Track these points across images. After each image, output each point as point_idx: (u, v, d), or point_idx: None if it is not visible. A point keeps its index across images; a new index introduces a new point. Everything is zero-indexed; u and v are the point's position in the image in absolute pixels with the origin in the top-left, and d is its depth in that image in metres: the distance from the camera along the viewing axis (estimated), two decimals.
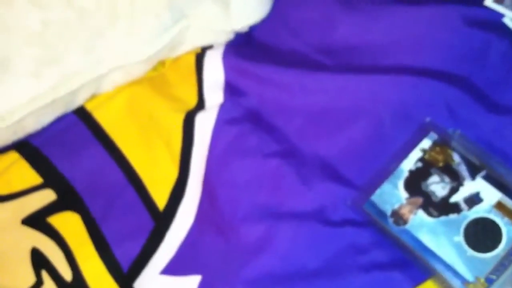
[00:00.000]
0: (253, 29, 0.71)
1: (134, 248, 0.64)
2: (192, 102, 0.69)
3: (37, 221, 0.66)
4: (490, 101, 0.63)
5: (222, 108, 0.67)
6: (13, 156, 0.68)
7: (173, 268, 0.63)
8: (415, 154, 0.61)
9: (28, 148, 0.68)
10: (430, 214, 0.59)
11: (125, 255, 0.64)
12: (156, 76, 0.71)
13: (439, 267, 0.57)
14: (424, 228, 0.58)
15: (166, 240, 0.64)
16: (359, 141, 0.64)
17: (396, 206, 0.60)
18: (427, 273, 0.59)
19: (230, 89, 0.68)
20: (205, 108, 0.68)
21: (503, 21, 0.64)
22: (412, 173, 0.60)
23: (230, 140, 0.66)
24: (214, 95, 0.68)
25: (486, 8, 0.65)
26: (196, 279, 0.62)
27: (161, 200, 0.65)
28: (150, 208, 0.65)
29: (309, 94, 0.67)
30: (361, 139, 0.64)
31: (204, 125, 0.67)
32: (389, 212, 0.60)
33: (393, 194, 0.60)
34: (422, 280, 0.59)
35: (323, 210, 0.62)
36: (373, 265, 0.60)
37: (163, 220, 0.65)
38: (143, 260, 0.63)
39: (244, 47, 0.70)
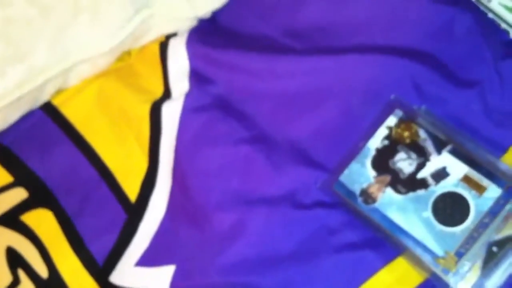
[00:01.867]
0: (217, 14, 0.70)
1: (108, 242, 0.64)
2: (159, 91, 0.68)
3: (10, 220, 0.66)
4: (457, 76, 0.62)
5: (189, 96, 0.67)
6: None
7: (147, 259, 0.63)
8: (381, 132, 0.60)
9: None
10: (398, 191, 0.59)
11: (100, 250, 0.64)
12: (122, 67, 0.71)
13: (409, 244, 0.57)
14: (393, 206, 0.58)
15: (140, 232, 0.64)
16: (329, 123, 0.64)
17: (364, 185, 0.60)
18: (398, 250, 0.59)
19: (196, 76, 0.68)
20: (171, 97, 0.68)
21: None
22: (379, 151, 0.60)
23: (198, 128, 0.66)
24: (180, 84, 0.68)
25: None
26: (170, 269, 0.62)
27: (132, 192, 0.65)
28: (122, 201, 0.65)
29: (277, 78, 0.66)
30: (330, 121, 0.64)
31: (171, 114, 0.67)
32: (358, 192, 0.60)
33: (361, 173, 0.60)
34: (393, 257, 0.59)
35: (294, 193, 0.62)
36: (344, 245, 0.60)
37: (135, 211, 0.65)
38: (117, 253, 0.64)
39: (208, 33, 0.70)
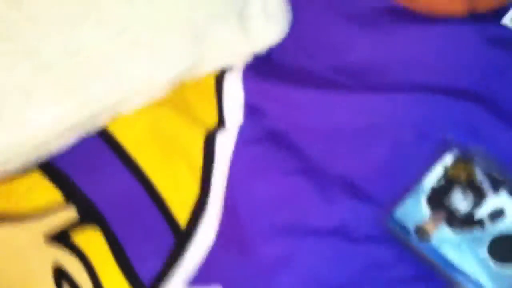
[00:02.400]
0: (270, 50, 0.72)
1: (156, 265, 0.64)
2: (212, 122, 0.70)
3: (60, 239, 0.66)
4: (510, 117, 0.63)
5: (242, 128, 0.68)
6: (36, 176, 0.69)
7: (194, 285, 0.63)
8: (437, 171, 0.61)
9: (51, 168, 0.69)
10: (454, 230, 0.58)
11: (148, 272, 0.64)
12: (176, 97, 0.72)
13: (464, 283, 0.57)
14: (448, 244, 0.58)
15: (188, 257, 0.64)
16: (381, 159, 0.64)
17: (419, 222, 0.59)
18: (452, 286, 0.58)
19: (250, 110, 0.69)
20: (225, 127, 0.69)
21: None
22: (434, 190, 0.60)
23: (251, 159, 0.67)
24: (234, 116, 0.69)
25: (504, 26, 0.66)
26: None
27: (182, 217, 0.66)
28: (172, 226, 0.65)
29: (330, 114, 0.67)
30: (383, 157, 0.65)
31: (225, 144, 0.68)
32: (412, 228, 0.60)
33: (416, 210, 0.60)
34: None
35: (344, 227, 0.63)
36: (396, 280, 0.60)
37: (184, 237, 0.65)
38: (164, 276, 0.63)
39: (263, 68, 0.71)
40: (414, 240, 0.59)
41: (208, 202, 0.66)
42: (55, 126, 0.66)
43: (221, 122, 0.70)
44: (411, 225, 0.60)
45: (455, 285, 0.58)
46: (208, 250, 0.64)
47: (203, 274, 0.64)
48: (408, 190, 0.61)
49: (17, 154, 0.65)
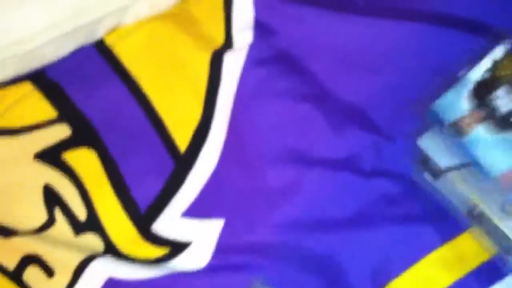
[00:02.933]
0: None
1: (153, 189, 0.61)
2: (220, 40, 0.65)
3: (51, 156, 0.63)
4: None
5: (252, 48, 0.64)
6: (27, 87, 0.64)
7: (195, 210, 0.60)
8: (485, 64, 0.57)
9: (43, 79, 0.65)
10: (491, 129, 0.55)
11: (144, 195, 0.61)
12: (181, 12, 0.67)
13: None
14: (483, 144, 0.55)
15: (188, 182, 0.61)
16: (392, 88, 0.61)
17: (457, 117, 0.56)
18: (459, 228, 0.57)
19: (261, 28, 0.65)
20: (233, 47, 0.65)
21: None
22: (479, 84, 0.56)
23: (259, 82, 0.63)
24: (244, 34, 0.65)
25: None
26: (219, 223, 0.60)
27: (183, 141, 0.62)
28: (170, 149, 0.62)
29: (342, 35, 0.64)
30: (392, 86, 0.61)
31: (232, 65, 0.64)
32: (449, 122, 0.56)
33: (456, 104, 0.56)
34: (454, 235, 0.57)
35: (354, 158, 0.60)
36: (404, 218, 0.58)
37: (184, 161, 0.62)
38: (162, 201, 0.61)
39: None
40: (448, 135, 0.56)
41: (211, 126, 0.63)
42: (48, 32, 0.61)
43: (228, 41, 0.65)
44: (448, 119, 0.56)
45: (464, 227, 0.56)
46: (210, 176, 0.61)
47: (206, 200, 0.61)
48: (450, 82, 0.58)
49: (8, 60, 0.61)
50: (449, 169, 0.57)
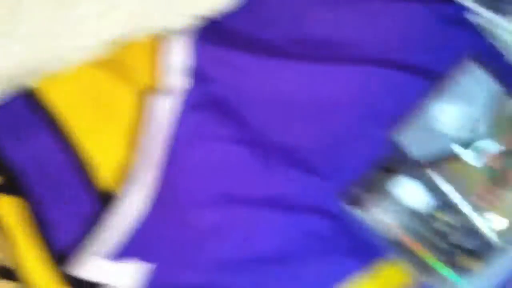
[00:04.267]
0: (225, 17, 0.69)
1: (74, 232, 0.61)
2: (152, 85, 0.67)
3: None
4: None
5: (184, 92, 0.65)
6: None
7: (119, 253, 0.60)
8: None
9: None
10: None
11: (65, 239, 0.61)
12: (114, 58, 0.68)
13: None
14: None
15: (111, 224, 0.61)
16: (329, 134, 0.64)
17: None
18: (384, 258, 0.59)
19: (195, 74, 0.66)
20: (166, 92, 0.66)
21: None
22: None
23: (193, 126, 0.64)
24: (177, 79, 0.66)
25: (459, 5, 0.66)
26: (146, 266, 0.60)
27: (111, 183, 0.63)
28: (97, 192, 0.62)
29: (280, 84, 0.66)
30: (331, 131, 0.64)
31: (164, 108, 0.65)
32: None
33: None
34: (379, 266, 0.59)
35: (283, 196, 0.62)
36: (330, 252, 0.60)
37: (110, 204, 0.62)
38: (85, 244, 0.60)
39: (213, 33, 0.68)
40: None
41: (139, 167, 0.63)
42: None
43: (161, 85, 0.67)
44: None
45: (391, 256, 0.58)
46: (138, 220, 0.61)
47: (129, 243, 0.61)
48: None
49: None
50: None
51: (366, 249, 0.59)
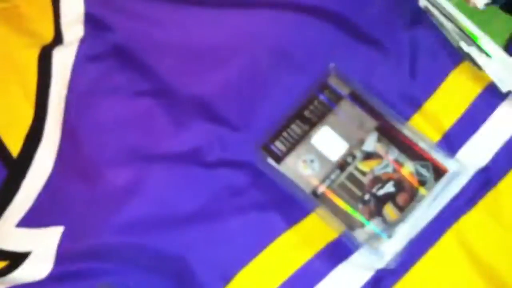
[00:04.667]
0: None
1: None
2: (49, 36, 0.62)
3: None
4: (366, 38, 0.60)
5: (83, 43, 0.61)
6: None
7: (31, 220, 0.57)
8: None
9: None
10: None
11: None
12: (7, 8, 0.63)
13: None
14: None
15: (22, 190, 0.57)
16: (236, 80, 0.60)
17: None
18: (305, 211, 0.57)
19: (92, 22, 0.62)
20: (63, 43, 0.61)
21: None
22: None
23: (94, 78, 0.60)
24: (74, 29, 0.62)
25: None
26: (58, 230, 0.57)
27: (15, 146, 0.59)
28: (2, 155, 0.58)
29: (182, 30, 0.62)
30: (238, 77, 0.60)
31: (63, 61, 0.60)
32: None
33: None
34: (300, 218, 0.57)
35: (198, 151, 0.58)
36: (250, 206, 0.57)
37: (17, 167, 0.58)
38: None
39: None
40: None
41: (44, 127, 0.59)
42: None
43: (58, 36, 0.62)
44: None
45: (308, 211, 0.56)
46: (46, 182, 0.57)
47: (42, 208, 0.57)
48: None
49: None
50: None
51: (289, 203, 0.57)
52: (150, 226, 0.56)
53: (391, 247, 0.55)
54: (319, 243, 0.57)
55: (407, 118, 0.58)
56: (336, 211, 0.56)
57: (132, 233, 0.56)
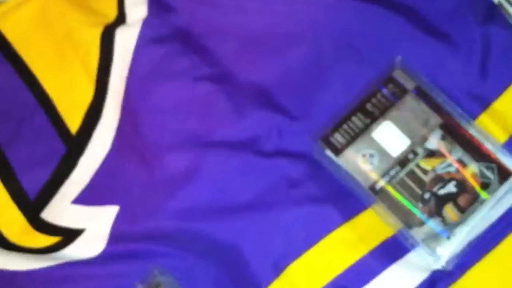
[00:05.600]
0: None
1: (42, 175, 0.57)
2: (111, 15, 0.62)
3: None
4: (435, 32, 0.58)
5: (146, 23, 0.60)
6: None
7: (87, 198, 0.57)
8: None
9: None
10: None
11: (33, 183, 0.57)
12: None
13: None
14: None
15: (79, 167, 0.58)
16: (297, 69, 0.59)
17: None
18: (361, 206, 0.56)
19: (156, 3, 0.61)
20: (126, 22, 0.61)
21: None
22: None
23: (155, 61, 0.60)
24: (137, 9, 0.61)
25: None
26: (113, 209, 0.57)
27: (74, 123, 0.59)
28: (61, 132, 0.58)
29: (245, 15, 0.61)
30: (299, 66, 0.59)
31: (125, 41, 0.60)
32: None
33: None
34: (356, 213, 0.56)
35: (256, 139, 0.58)
36: (306, 198, 0.56)
37: (75, 144, 0.58)
38: (52, 188, 0.57)
39: None
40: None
41: (104, 106, 0.59)
42: None
43: (121, 17, 0.61)
44: None
45: (366, 205, 0.55)
46: (104, 161, 0.57)
47: (99, 186, 0.57)
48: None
49: None
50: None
51: (345, 197, 0.56)
52: (205, 213, 0.56)
53: (449, 249, 0.54)
54: (374, 240, 0.55)
55: (473, 117, 0.56)
56: (395, 208, 0.54)
57: (187, 218, 0.56)
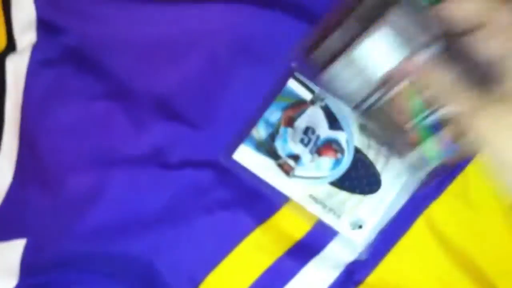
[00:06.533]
0: None
1: None
2: (1, 45, 0.60)
3: None
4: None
5: (36, 48, 0.59)
6: None
7: None
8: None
9: None
10: None
11: None
12: None
13: None
14: None
15: None
16: (194, 77, 0.58)
17: None
18: (273, 207, 0.56)
19: (44, 26, 0.60)
20: (16, 50, 0.59)
21: None
22: None
23: (48, 84, 0.58)
24: (26, 35, 0.60)
25: None
26: (20, 242, 0.55)
27: None
28: None
29: (136, 27, 0.60)
30: (196, 72, 0.58)
31: (17, 69, 0.59)
32: None
33: None
34: (268, 216, 0.56)
35: (160, 152, 0.57)
36: (215, 205, 0.56)
37: None
38: None
39: None
40: None
41: (2, 137, 0.57)
42: None
43: (11, 43, 0.60)
44: None
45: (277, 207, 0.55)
46: (6, 194, 0.56)
47: (3, 221, 0.56)
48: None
49: None
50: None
51: (256, 200, 0.55)
52: (115, 232, 0.55)
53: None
54: (289, 240, 0.55)
55: None
56: (385, 122, 0.48)
57: (97, 239, 0.55)
